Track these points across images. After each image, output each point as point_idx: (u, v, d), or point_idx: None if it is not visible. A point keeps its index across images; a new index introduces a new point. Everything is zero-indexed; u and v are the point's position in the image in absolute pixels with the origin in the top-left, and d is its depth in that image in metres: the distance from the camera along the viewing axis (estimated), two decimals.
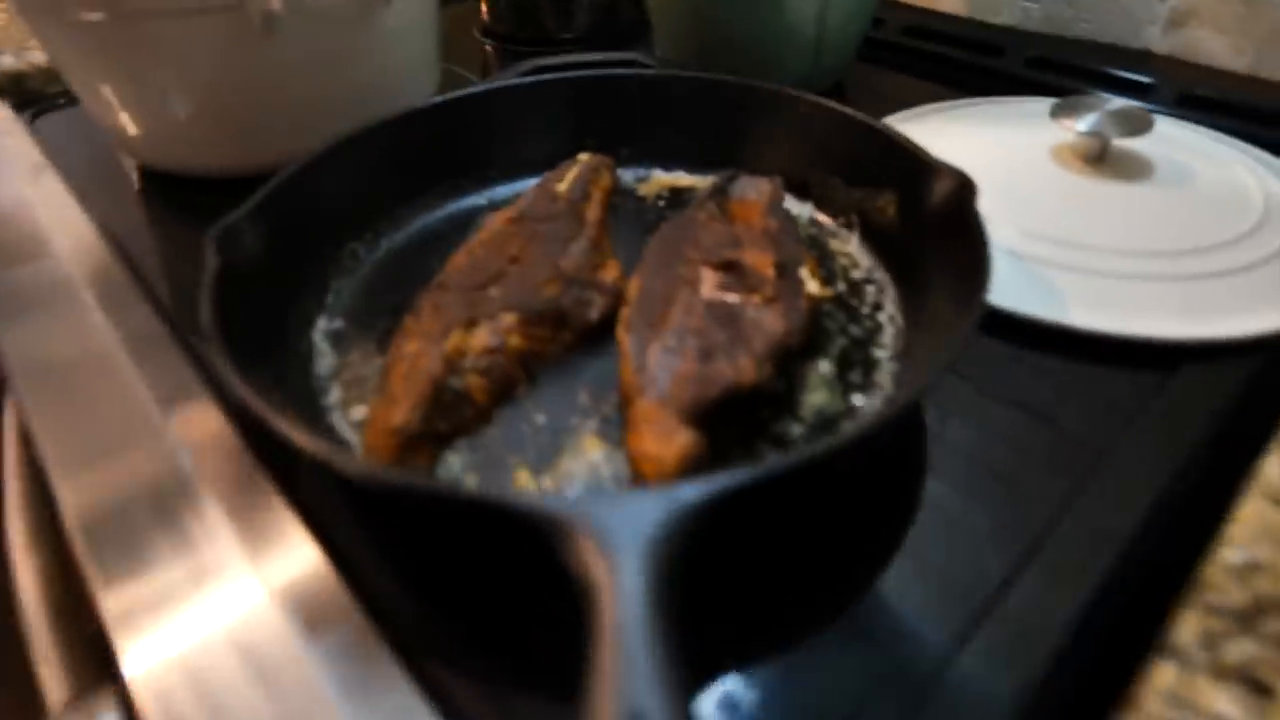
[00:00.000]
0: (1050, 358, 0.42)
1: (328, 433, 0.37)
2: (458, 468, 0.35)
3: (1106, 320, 0.41)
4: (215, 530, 0.35)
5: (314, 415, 0.37)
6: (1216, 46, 0.65)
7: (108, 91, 0.54)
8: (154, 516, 0.35)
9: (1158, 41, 0.68)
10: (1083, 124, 0.49)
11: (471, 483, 0.34)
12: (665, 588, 0.24)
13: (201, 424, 0.40)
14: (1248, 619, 0.28)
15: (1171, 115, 0.55)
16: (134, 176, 0.62)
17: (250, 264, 0.39)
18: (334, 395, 0.39)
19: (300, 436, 0.29)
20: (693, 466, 0.31)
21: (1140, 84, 0.63)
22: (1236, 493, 0.35)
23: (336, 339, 0.42)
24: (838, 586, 0.32)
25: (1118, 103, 0.50)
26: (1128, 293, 0.43)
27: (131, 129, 0.56)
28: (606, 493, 0.33)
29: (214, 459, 0.38)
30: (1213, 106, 0.59)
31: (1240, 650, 0.27)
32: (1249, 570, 0.30)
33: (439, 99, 0.51)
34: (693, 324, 0.37)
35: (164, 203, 0.59)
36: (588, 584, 0.24)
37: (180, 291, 0.49)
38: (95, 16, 0.49)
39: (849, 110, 0.47)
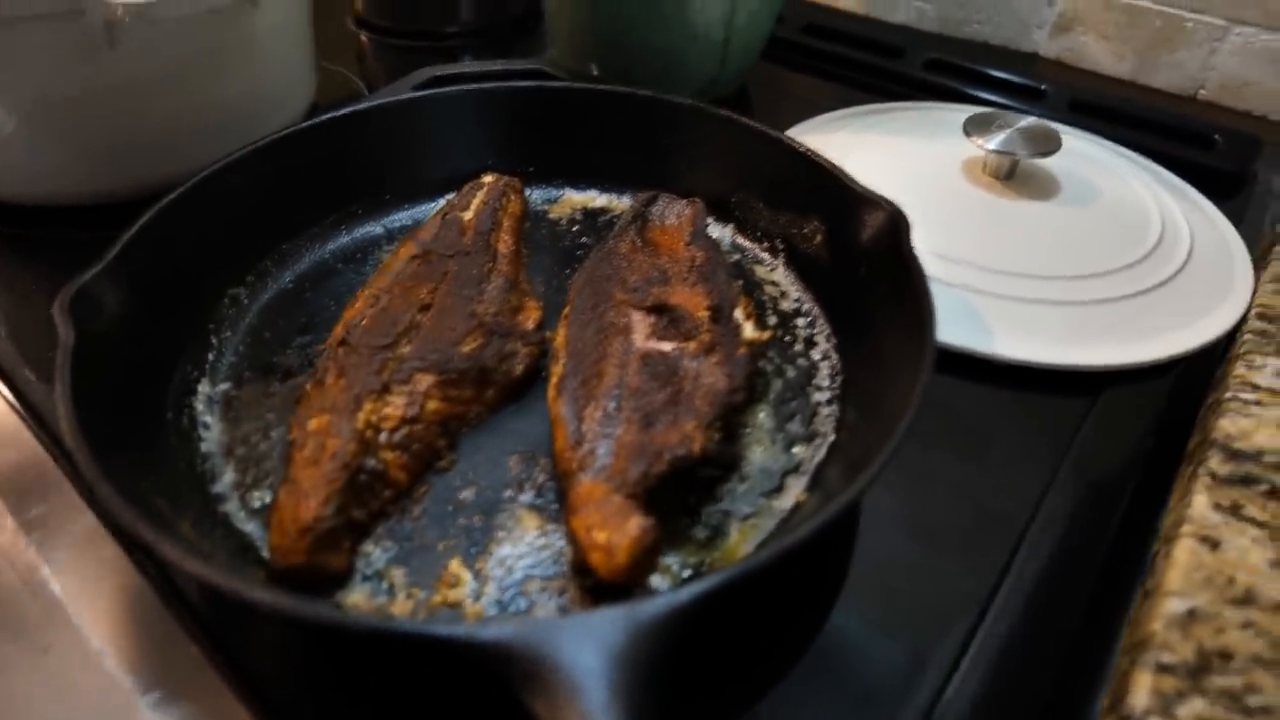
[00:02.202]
0: (973, 385, 0.42)
1: (221, 527, 0.32)
2: (380, 562, 0.31)
3: (1032, 350, 0.42)
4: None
5: (202, 506, 0.32)
6: (1099, 52, 0.67)
7: None
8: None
9: (1045, 45, 0.70)
10: (993, 142, 0.49)
11: (398, 579, 0.31)
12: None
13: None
14: (1196, 675, 0.29)
15: (1065, 123, 0.56)
16: None
17: (112, 330, 0.34)
18: (226, 479, 0.34)
19: (175, 553, 0.25)
20: (646, 554, 0.29)
21: (1035, 90, 0.64)
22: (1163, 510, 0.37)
23: (224, 407, 0.37)
24: (796, 627, 0.32)
25: (1027, 120, 0.50)
26: (1049, 319, 0.43)
27: None
28: (556, 619, 0.30)
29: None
30: (1101, 113, 0.61)
31: (1191, 710, 0.28)
32: (1190, 620, 0.30)
33: (324, 117, 0.46)
34: (630, 383, 0.35)
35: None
36: None
37: (28, 355, 0.42)
38: None
39: (774, 132, 0.45)
